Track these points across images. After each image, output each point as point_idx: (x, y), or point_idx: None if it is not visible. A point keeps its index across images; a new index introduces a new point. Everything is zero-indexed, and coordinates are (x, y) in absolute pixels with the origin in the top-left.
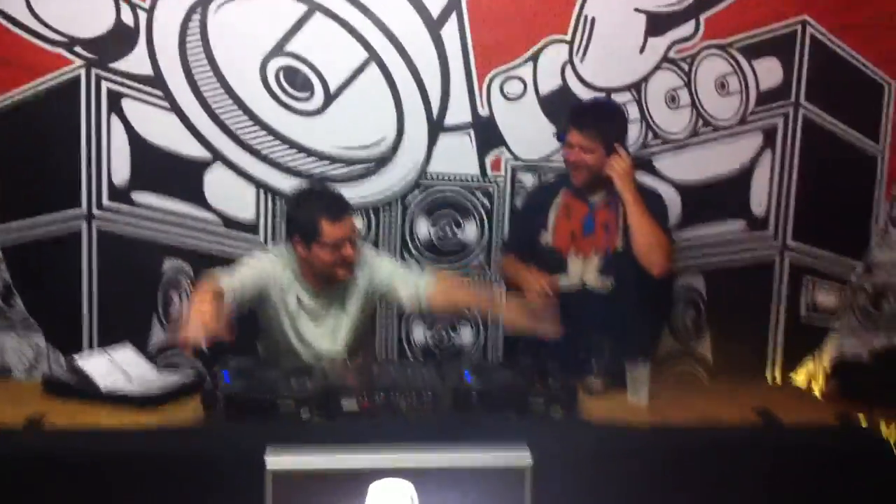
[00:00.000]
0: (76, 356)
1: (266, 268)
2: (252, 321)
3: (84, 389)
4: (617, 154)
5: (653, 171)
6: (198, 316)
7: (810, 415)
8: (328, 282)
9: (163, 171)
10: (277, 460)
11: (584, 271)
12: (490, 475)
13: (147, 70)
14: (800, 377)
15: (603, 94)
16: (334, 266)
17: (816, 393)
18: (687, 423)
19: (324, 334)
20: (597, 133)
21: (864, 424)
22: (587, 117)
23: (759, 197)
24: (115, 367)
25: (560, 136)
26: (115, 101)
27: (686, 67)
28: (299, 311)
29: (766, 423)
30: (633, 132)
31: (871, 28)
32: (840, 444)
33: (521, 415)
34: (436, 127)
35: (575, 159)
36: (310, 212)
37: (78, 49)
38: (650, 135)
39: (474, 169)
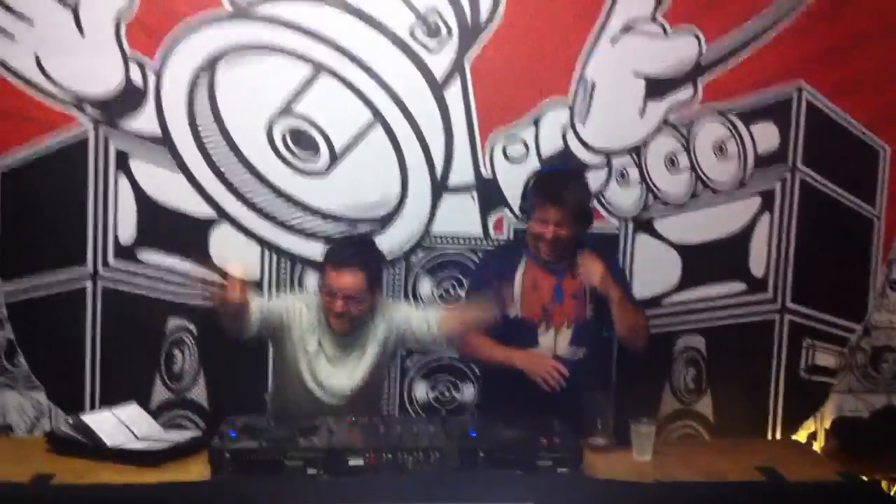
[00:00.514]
0: (82, 414)
1: (292, 305)
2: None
3: (90, 447)
4: (586, 259)
5: (653, 233)
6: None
7: (812, 472)
8: (347, 329)
9: (168, 229)
10: None
11: (555, 343)
12: None
13: (155, 129)
14: (801, 436)
15: (600, 160)
16: (330, 315)
17: (817, 450)
18: (691, 479)
19: (339, 377)
20: (569, 206)
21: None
22: (558, 191)
23: (758, 259)
24: (120, 425)
25: (528, 210)
26: (122, 160)
27: (685, 131)
28: (319, 353)
29: (770, 479)
30: (634, 194)
31: (865, 93)
32: (843, 500)
33: (527, 472)
34: (439, 187)
35: (552, 236)
36: (325, 256)
37: (86, 108)
38: (650, 197)
39: (477, 229)
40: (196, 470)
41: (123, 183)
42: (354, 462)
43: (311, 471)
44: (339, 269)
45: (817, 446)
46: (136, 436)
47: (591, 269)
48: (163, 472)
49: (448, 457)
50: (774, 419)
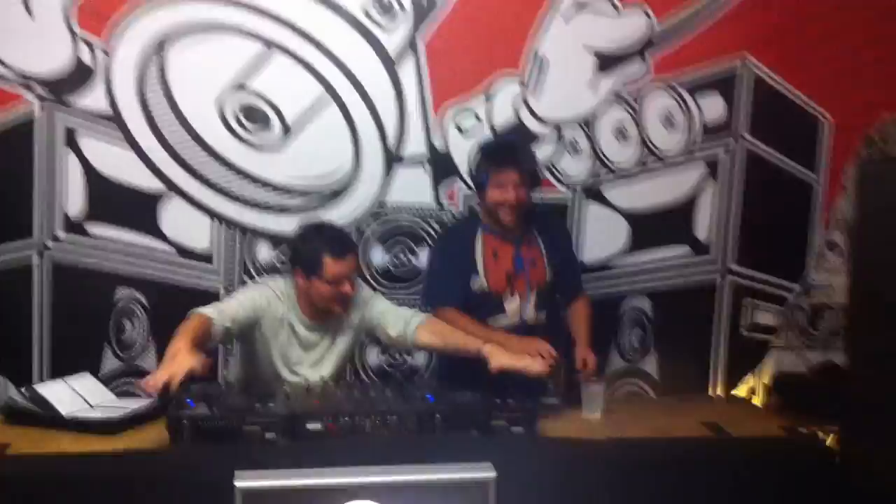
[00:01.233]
0: (36, 385)
1: (261, 301)
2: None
3: (46, 417)
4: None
5: (603, 201)
6: (176, 364)
7: (755, 427)
8: (323, 314)
9: (118, 203)
10: (247, 481)
11: (521, 309)
12: (455, 491)
13: (105, 107)
14: (741, 392)
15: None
16: (331, 301)
17: (759, 406)
18: (641, 436)
19: (312, 363)
20: (525, 166)
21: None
22: (512, 156)
23: (703, 224)
24: (75, 394)
25: (482, 180)
26: (71, 137)
27: (634, 103)
28: (291, 339)
29: (716, 434)
30: (585, 164)
31: (807, 66)
32: (786, 453)
33: (483, 433)
34: (392, 158)
35: (515, 197)
36: (315, 246)
37: (34, 87)
38: (600, 167)
39: (428, 199)
40: (154, 437)
41: (72, 159)
42: (313, 426)
43: (269, 436)
44: (342, 258)
45: (757, 401)
46: (90, 405)
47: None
48: (121, 441)
49: (406, 420)
50: (716, 376)
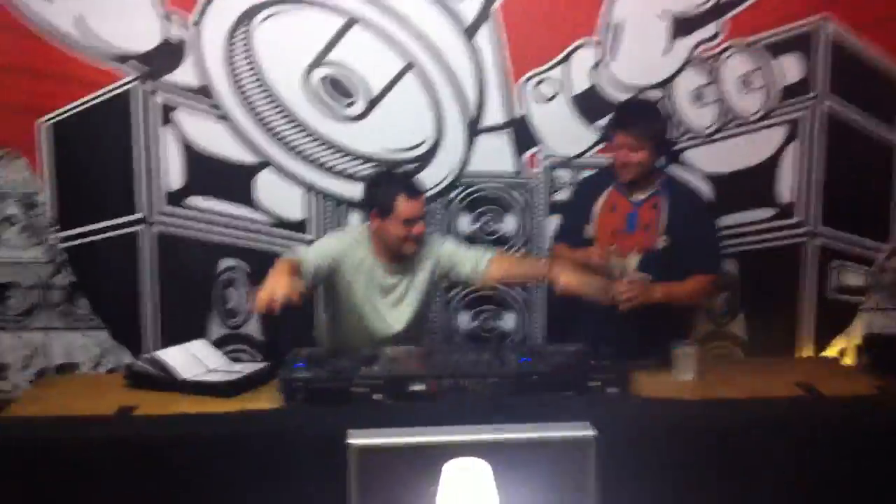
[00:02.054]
0: (157, 351)
1: (339, 247)
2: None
3: (167, 380)
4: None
5: (683, 164)
6: (275, 283)
7: (848, 386)
8: (398, 256)
9: (215, 176)
10: (359, 439)
11: (623, 268)
12: (557, 449)
13: (196, 82)
14: (830, 353)
15: (641, 94)
16: (405, 240)
17: (850, 366)
18: (734, 397)
19: (392, 306)
20: (641, 131)
21: None
22: (630, 118)
23: (786, 186)
24: (192, 358)
25: (608, 136)
26: (166, 112)
27: (711, 66)
28: (371, 282)
29: (810, 395)
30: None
31: (887, 27)
32: (881, 412)
33: (578, 393)
34: (473, 128)
35: (623, 159)
36: (389, 188)
37: (130, 63)
38: (680, 130)
39: (511, 167)
40: (267, 399)
41: (169, 134)
42: (416, 388)
43: (376, 397)
44: (415, 198)
45: (847, 362)
46: (207, 368)
47: (624, 291)
48: (237, 402)
49: (504, 381)
50: (805, 338)
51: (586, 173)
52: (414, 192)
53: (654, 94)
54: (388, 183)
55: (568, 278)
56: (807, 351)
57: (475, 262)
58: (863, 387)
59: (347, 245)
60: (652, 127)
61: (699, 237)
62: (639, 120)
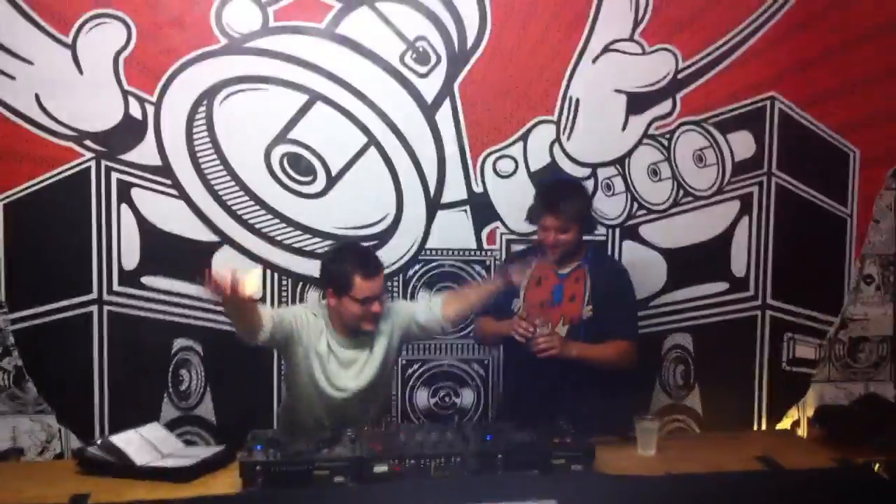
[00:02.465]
0: (110, 436)
1: (300, 312)
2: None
3: (120, 466)
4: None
5: (639, 239)
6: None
7: (806, 459)
8: (355, 332)
9: (172, 254)
10: None
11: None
12: None
13: (156, 160)
14: (784, 425)
15: (586, 172)
16: (361, 319)
17: (805, 439)
18: (697, 471)
19: (351, 376)
20: (568, 214)
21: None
22: (557, 201)
23: (739, 259)
24: (146, 443)
25: (533, 219)
26: (124, 190)
27: (665, 143)
28: (329, 354)
29: (769, 468)
30: (619, 203)
31: (833, 101)
32: (840, 484)
33: (543, 471)
34: (434, 204)
35: (552, 241)
36: (345, 266)
37: (88, 142)
38: (636, 205)
39: (471, 243)
40: (225, 483)
41: (126, 213)
42: (379, 469)
43: (338, 479)
44: (372, 277)
45: (801, 434)
46: (162, 453)
47: (545, 345)
48: (194, 487)
49: (468, 461)
50: (760, 410)
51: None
52: (371, 270)
53: (608, 171)
54: (344, 261)
55: (519, 276)
56: (763, 423)
57: (427, 308)
58: (820, 459)
59: (308, 313)
60: (579, 207)
61: (619, 306)
62: (566, 202)
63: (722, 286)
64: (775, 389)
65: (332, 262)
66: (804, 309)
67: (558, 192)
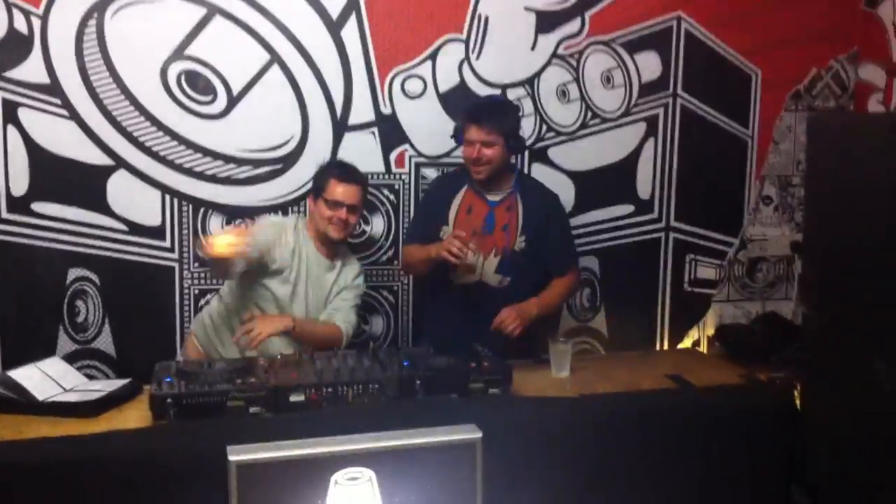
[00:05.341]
0: (9, 371)
1: (275, 233)
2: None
3: (21, 403)
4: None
5: (547, 161)
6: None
7: (714, 376)
8: (325, 240)
9: (63, 180)
10: (240, 455)
11: (482, 269)
12: (443, 452)
13: (43, 78)
14: (685, 344)
15: (497, 92)
16: (329, 222)
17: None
18: (612, 391)
19: (293, 297)
20: (494, 126)
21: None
22: (483, 113)
23: (645, 182)
24: (47, 378)
25: (458, 137)
26: (10, 110)
27: (574, 63)
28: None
29: (681, 385)
30: (528, 125)
31: (738, 23)
32: (747, 399)
33: (462, 395)
34: (340, 126)
35: (477, 155)
36: (326, 170)
37: None
38: (544, 127)
39: (379, 166)
40: (135, 417)
41: (13, 134)
42: (296, 398)
43: (253, 409)
44: (346, 182)
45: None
46: (64, 388)
47: (507, 322)
48: (101, 423)
49: (386, 387)
50: (662, 330)
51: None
52: (345, 175)
53: (517, 92)
54: (328, 166)
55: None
56: (664, 343)
57: (327, 316)
58: (728, 376)
59: (286, 227)
60: (504, 121)
61: (556, 236)
62: (491, 114)
63: (628, 209)
64: (678, 310)
65: (318, 170)
66: (706, 230)
67: (486, 106)
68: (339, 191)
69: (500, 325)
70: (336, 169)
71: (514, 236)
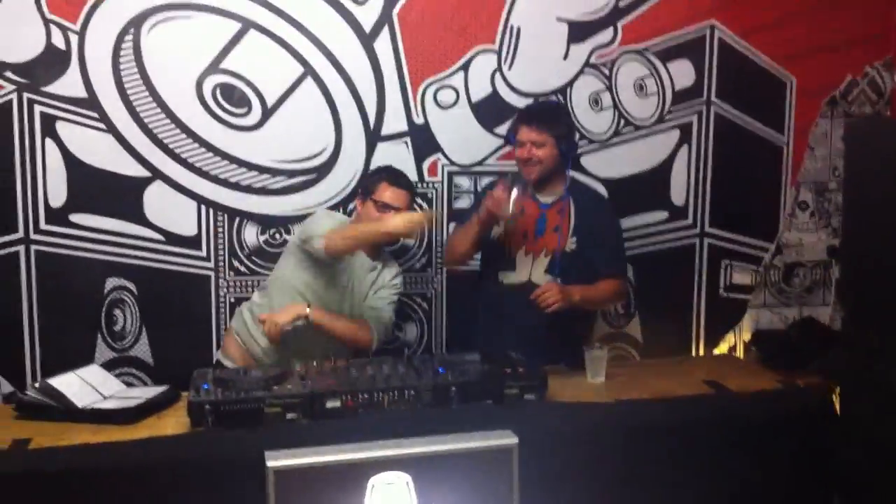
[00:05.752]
0: (49, 378)
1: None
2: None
3: (61, 409)
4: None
5: (581, 169)
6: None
7: (752, 382)
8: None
9: (101, 191)
10: (278, 460)
11: (531, 270)
12: (479, 458)
13: (81, 92)
14: (722, 350)
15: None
16: None
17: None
18: (648, 397)
19: (333, 290)
20: (545, 127)
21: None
22: (534, 114)
23: (679, 188)
24: (86, 385)
25: (510, 140)
26: (49, 124)
27: (607, 72)
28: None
29: (717, 391)
30: None
31: (771, 31)
32: (785, 405)
33: (496, 402)
34: (373, 136)
35: (527, 155)
36: (378, 173)
37: (8, 74)
38: (577, 136)
39: (412, 175)
40: (172, 424)
41: (51, 147)
42: (332, 405)
43: (290, 416)
44: (397, 186)
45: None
46: (103, 395)
47: (547, 294)
48: (140, 429)
49: (422, 394)
50: (698, 336)
51: (487, 180)
52: (398, 180)
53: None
54: (380, 171)
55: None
56: (699, 349)
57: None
58: (765, 381)
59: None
60: (556, 123)
61: (606, 240)
62: (543, 116)
63: (661, 215)
64: (713, 315)
65: (370, 173)
66: (741, 236)
67: (537, 108)
68: (389, 194)
69: (539, 295)
70: (387, 173)
71: (566, 238)
